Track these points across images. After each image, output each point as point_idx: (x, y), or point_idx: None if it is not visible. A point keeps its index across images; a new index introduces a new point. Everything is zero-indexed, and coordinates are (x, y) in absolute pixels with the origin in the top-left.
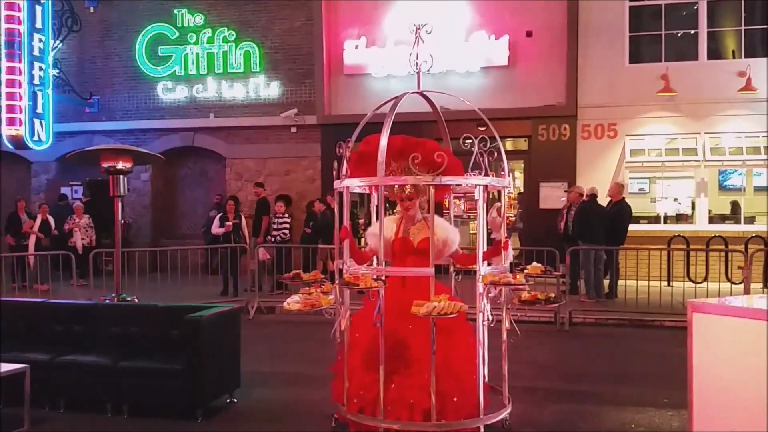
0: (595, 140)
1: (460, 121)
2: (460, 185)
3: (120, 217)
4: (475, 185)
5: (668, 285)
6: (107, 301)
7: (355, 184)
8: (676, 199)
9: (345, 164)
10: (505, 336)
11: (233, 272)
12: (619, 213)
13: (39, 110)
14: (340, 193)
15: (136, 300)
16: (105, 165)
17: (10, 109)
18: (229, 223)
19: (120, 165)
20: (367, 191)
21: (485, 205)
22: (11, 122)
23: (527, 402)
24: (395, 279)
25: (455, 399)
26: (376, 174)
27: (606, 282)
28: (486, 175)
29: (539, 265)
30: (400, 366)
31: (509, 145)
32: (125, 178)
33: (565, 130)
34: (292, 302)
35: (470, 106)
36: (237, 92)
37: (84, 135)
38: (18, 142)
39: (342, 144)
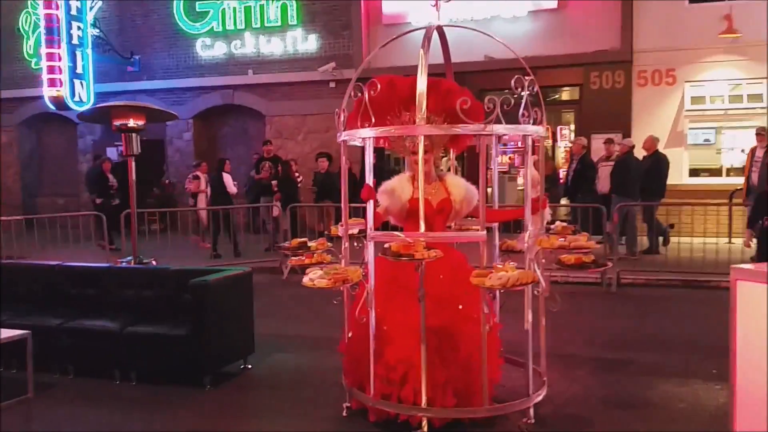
0: (652, 87)
1: (506, 71)
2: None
3: (133, 177)
4: (523, 135)
5: (729, 242)
6: (123, 264)
7: (380, 133)
8: (743, 150)
9: (361, 111)
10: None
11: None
12: (655, 166)
13: (79, 70)
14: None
15: (153, 263)
16: (116, 123)
17: (50, 69)
18: (236, 182)
19: (131, 122)
20: (380, 144)
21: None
22: (52, 83)
23: (559, 372)
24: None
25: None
26: (388, 123)
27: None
28: (538, 123)
29: (566, 224)
30: (429, 342)
31: (558, 94)
32: (138, 136)
33: (620, 77)
34: (317, 278)
35: (515, 54)
36: (275, 47)
37: (126, 95)
38: (59, 102)
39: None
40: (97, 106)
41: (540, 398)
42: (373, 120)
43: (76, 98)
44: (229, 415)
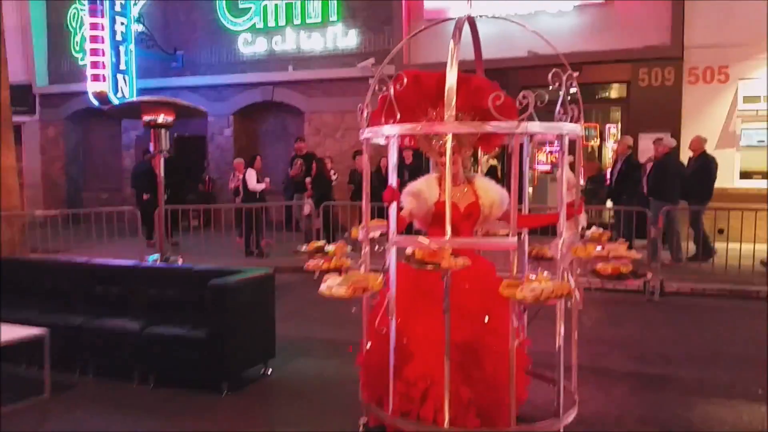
0: (704, 85)
1: (550, 67)
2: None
3: (162, 174)
4: (561, 134)
5: None
6: (149, 263)
7: (405, 131)
8: None
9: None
10: (575, 319)
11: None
12: (703, 168)
13: (122, 66)
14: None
15: (180, 261)
16: (146, 118)
17: (94, 65)
18: (268, 179)
19: (161, 118)
20: (405, 143)
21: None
22: (95, 78)
23: (593, 388)
24: None
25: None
26: (406, 120)
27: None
28: (575, 121)
29: (603, 230)
30: (452, 357)
31: (605, 92)
32: (167, 132)
33: (669, 74)
34: (335, 286)
35: (554, 48)
36: (315, 43)
37: (169, 91)
38: (102, 98)
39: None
40: (127, 101)
41: (570, 419)
42: (399, 116)
43: (119, 94)
44: (242, 425)
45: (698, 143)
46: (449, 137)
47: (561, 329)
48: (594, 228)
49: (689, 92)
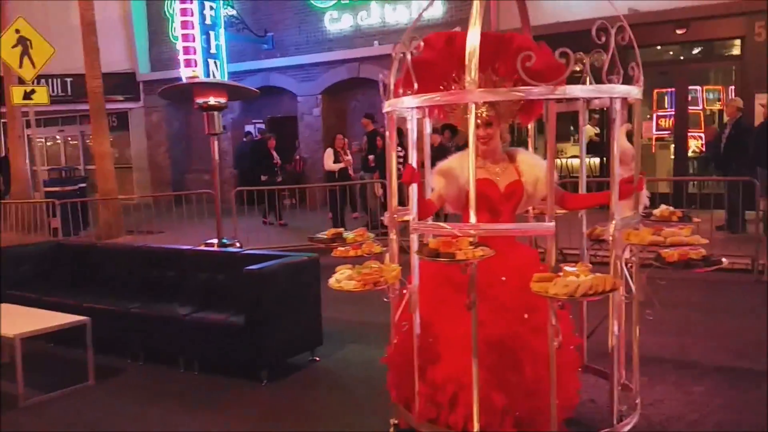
0: None
1: (653, 25)
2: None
3: (217, 154)
4: (612, 98)
5: None
6: (204, 246)
7: (423, 102)
8: None
9: (398, 77)
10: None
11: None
12: None
13: (213, 50)
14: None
15: (237, 244)
16: (198, 101)
17: (186, 50)
18: (348, 158)
19: (212, 100)
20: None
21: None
22: (188, 63)
23: (671, 386)
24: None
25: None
26: (434, 88)
27: None
28: (635, 82)
29: (671, 208)
30: (486, 358)
31: (715, 49)
32: (220, 114)
33: None
34: (343, 279)
35: (662, 5)
36: (400, 16)
37: (261, 73)
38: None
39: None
40: (178, 83)
41: (629, 427)
42: (416, 86)
43: (211, 78)
44: (272, 416)
45: None
46: (472, 107)
47: (615, 328)
48: (663, 207)
49: None
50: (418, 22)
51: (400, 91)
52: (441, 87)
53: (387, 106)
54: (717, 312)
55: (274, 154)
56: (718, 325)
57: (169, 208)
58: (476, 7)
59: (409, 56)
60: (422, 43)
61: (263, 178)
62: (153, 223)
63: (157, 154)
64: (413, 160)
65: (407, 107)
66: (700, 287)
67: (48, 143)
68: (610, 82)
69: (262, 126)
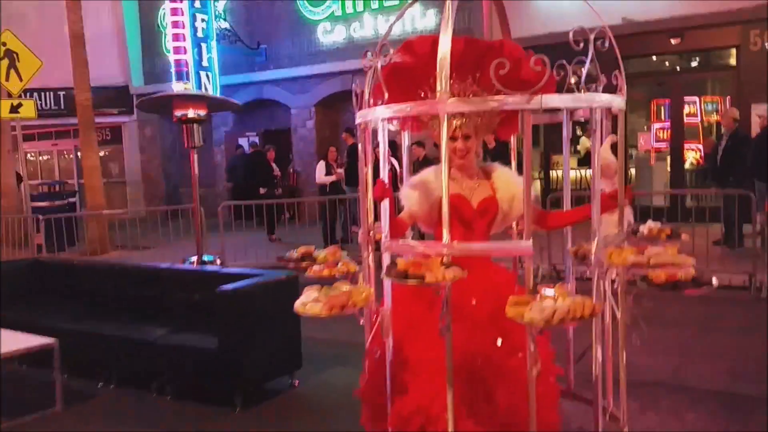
0: None
1: (647, 35)
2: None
3: (196, 170)
4: (593, 108)
5: None
6: (186, 264)
7: (395, 112)
8: None
9: (371, 85)
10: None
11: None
12: None
13: (204, 63)
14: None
15: (218, 261)
16: (177, 113)
17: (177, 63)
18: (340, 171)
19: (191, 113)
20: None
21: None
22: (179, 76)
23: (663, 411)
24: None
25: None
26: (414, 97)
27: None
28: (618, 91)
29: (659, 224)
30: (464, 387)
31: (711, 59)
32: (200, 127)
33: None
34: (309, 302)
35: (656, 14)
36: (393, 27)
37: (254, 86)
38: None
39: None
40: (156, 95)
41: None
42: (386, 96)
43: (203, 91)
44: None
45: None
46: (444, 118)
47: (598, 353)
48: (650, 223)
49: None
50: (390, 32)
51: (371, 101)
52: (421, 95)
53: (358, 117)
54: (713, 331)
55: (274, 166)
56: (714, 345)
57: (161, 223)
58: (448, 9)
59: (379, 65)
60: (392, 53)
61: (262, 190)
62: (143, 238)
63: (151, 168)
64: (384, 174)
65: (377, 117)
66: (695, 304)
67: (43, 157)
68: (590, 90)
69: (256, 140)
